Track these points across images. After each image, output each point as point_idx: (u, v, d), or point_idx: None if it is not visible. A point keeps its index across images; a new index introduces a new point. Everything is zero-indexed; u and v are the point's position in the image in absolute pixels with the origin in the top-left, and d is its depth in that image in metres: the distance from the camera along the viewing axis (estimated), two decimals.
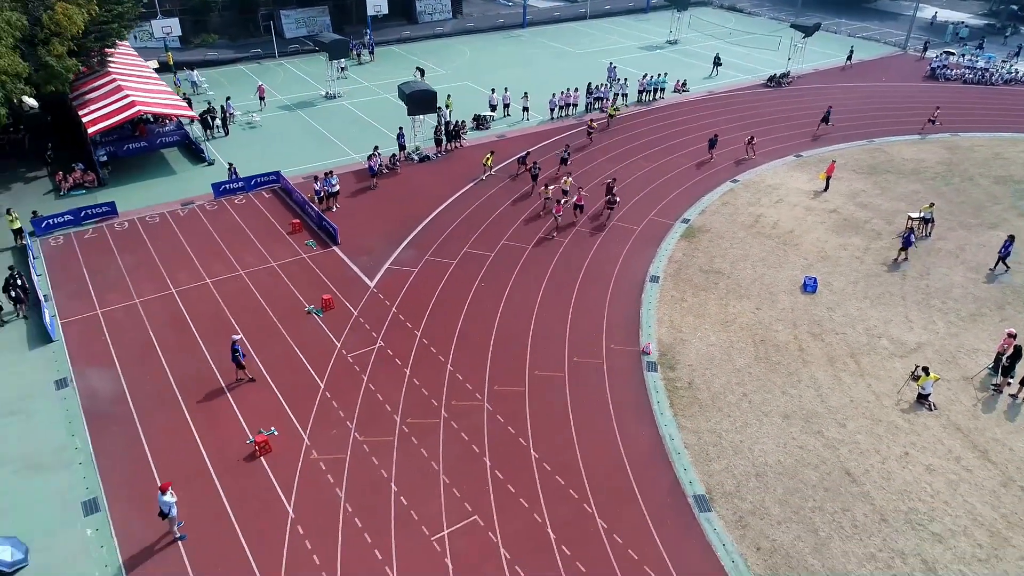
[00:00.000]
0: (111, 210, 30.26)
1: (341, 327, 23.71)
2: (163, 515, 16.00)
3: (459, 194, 32.88)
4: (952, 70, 51.00)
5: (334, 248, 28.31)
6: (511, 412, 20.26)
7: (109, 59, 38.23)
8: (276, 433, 19.23)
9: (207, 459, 18.54)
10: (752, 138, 37.29)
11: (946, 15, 69.94)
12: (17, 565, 15.57)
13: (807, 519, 17.24)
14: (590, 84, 44.09)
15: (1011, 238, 27.09)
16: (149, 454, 18.68)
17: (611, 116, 41.12)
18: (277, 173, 33.30)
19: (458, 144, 37.89)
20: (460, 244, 28.77)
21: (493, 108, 41.78)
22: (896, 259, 28.02)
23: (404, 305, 24.91)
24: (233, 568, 15.76)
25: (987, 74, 50.12)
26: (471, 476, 18.18)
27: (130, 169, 34.60)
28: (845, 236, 29.99)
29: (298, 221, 29.76)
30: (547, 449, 19.03)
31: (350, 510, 17.18)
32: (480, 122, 40.48)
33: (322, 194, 30.74)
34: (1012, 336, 21.48)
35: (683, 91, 46.99)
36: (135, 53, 43.98)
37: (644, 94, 45.20)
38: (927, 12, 68.93)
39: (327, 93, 45.30)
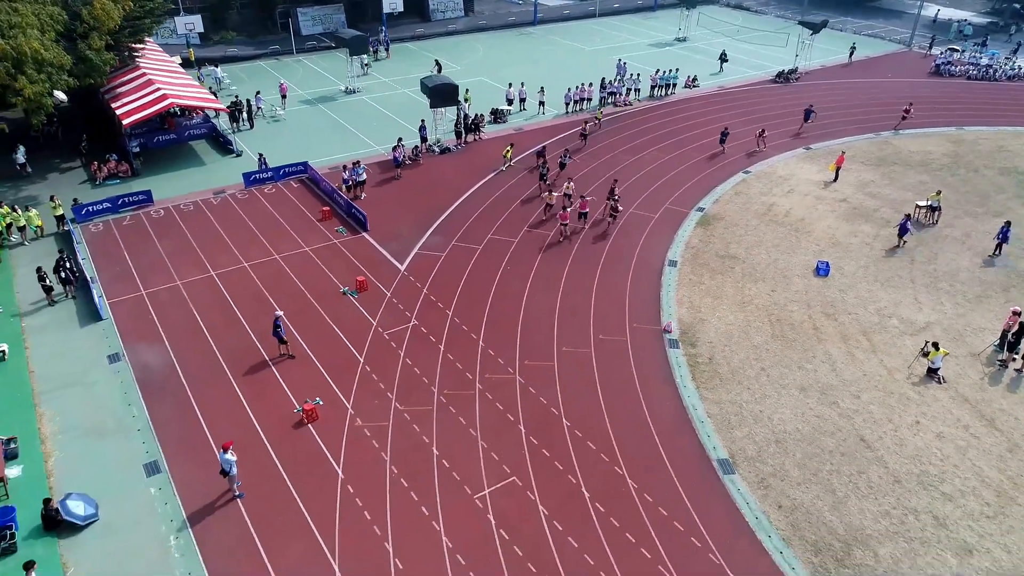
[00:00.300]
0: (147, 198, 31.41)
1: (376, 307, 24.84)
2: (224, 473, 17.15)
3: (480, 184, 33.99)
4: (956, 67, 52.07)
5: (364, 234, 29.45)
6: (542, 384, 21.38)
7: (137, 54, 39.36)
8: (321, 403, 20.34)
9: (257, 426, 19.67)
10: (763, 131, 38.39)
11: (949, 13, 70.97)
12: (89, 519, 16.69)
13: (825, 481, 18.34)
14: (604, 79, 45.26)
15: (1008, 224, 28.20)
16: (203, 421, 19.81)
17: (598, 119, 40.81)
18: (305, 163, 34.45)
19: (477, 137, 39.02)
20: (484, 231, 29.89)
21: (510, 102, 42.93)
22: (896, 246, 29.08)
23: (434, 287, 26.04)
24: (290, 521, 16.89)
25: (991, 70, 51.18)
26: (508, 442, 19.30)
27: (161, 160, 35.76)
28: (855, 224, 31.07)
29: (328, 209, 30.90)
30: (578, 418, 20.15)
31: (395, 472, 18.30)
32: (497, 115, 41.61)
33: (350, 183, 31.88)
34: (1017, 314, 22.59)
35: (694, 86, 48.10)
36: (160, 49, 45.13)
37: (656, 89, 46.30)
38: (930, 10, 69.96)
39: (346, 88, 46.47)
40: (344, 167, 32.69)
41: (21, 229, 28.14)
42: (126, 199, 31.06)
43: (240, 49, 54.65)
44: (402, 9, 57.26)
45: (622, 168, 35.80)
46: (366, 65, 49.64)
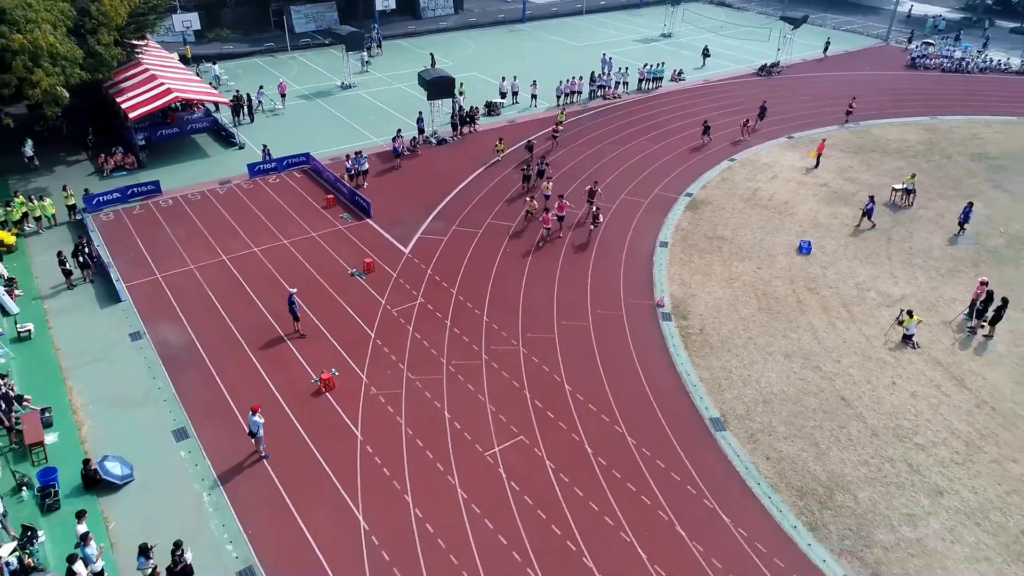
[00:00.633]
0: (155, 188, 32.42)
1: (383, 287, 26.08)
2: (252, 434, 18.34)
3: (476, 173, 35.28)
4: (931, 60, 54.02)
5: (368, 220, 30.66)
6: (544, 354, 22.73)
7: (139, 51, 40.25)
8: (337, 373, 21.56)
9: (277, 395, 20.86)
10: (748, 120, 39.96)
11: (924, 9, 73.16)
12: (126, 479, 17.82)
13: (809, 435, 19.83)
14: (593, 73, 46.71)
15: (970, 204, 29.97)
16: (225, 391, 20.97)
17: (559, 123, 39.82)
18: (307, 155, 35.57)
19: (472, 128, 40.30)
20: (483, 216, 31.19)
21: (503, 95, 44.24)
22: (859, 225, 30.70)
23: (438, 268, 27.31)
24: (315, 479, 18.11)
25: (963, 63, 53.17)
26: (514, 405, 20.63)
27: (165, 153, 36.74)
28: (835, 206, 32.68)
29: (332, 197, 32.07)
30: (579, 383, 21.52)
31: (411, 433, 19.58)
32: (491, 108, 42.90)
33: (353, 172, 33.07)
34: (984, 283, 24.24)
35: (680, 80, 49.66)
36: (159, 46, 45.99)
37: (644, 83, 47.80)
38: (905, 6, 72.05)
39: (343, 83, 47.58)
40: (347, 156, 33.88)
41: (37, 219, 29.07)
42: (135, 189, 32.05)
43: (235, 46, 55.58)
44: (394, 7, 58.38)
45: (612, 157, 37.26)
46: (366, 63, 50.80)
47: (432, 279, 26.61)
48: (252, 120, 41.37)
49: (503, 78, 45.00)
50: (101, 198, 31.16)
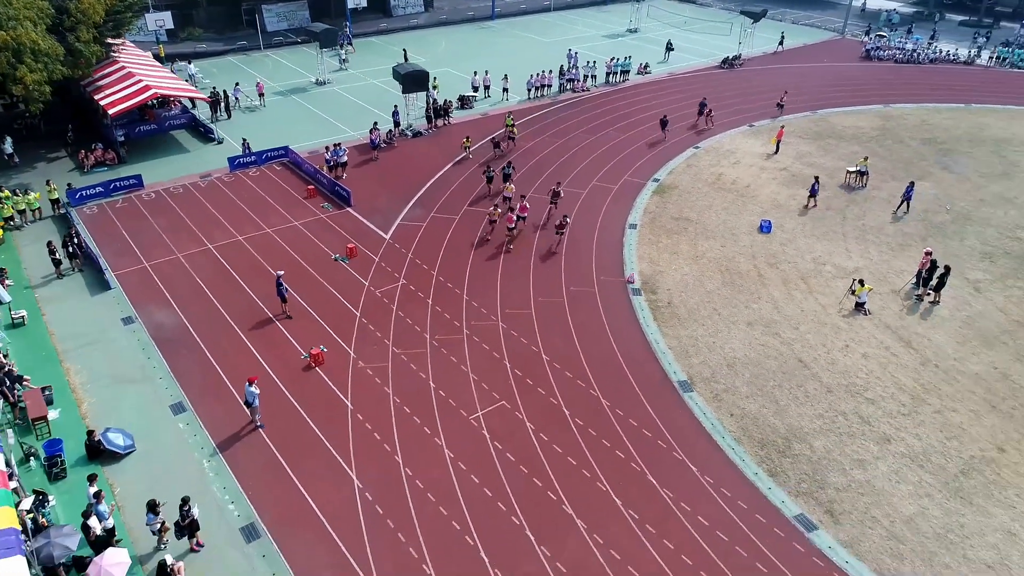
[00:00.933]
0: (138, 182, 33.08)
1: (366, 270, 27.17)
2: (247, 404, 19.37)
3: (452, 164, 36.45)
4: (884, 51, 56.41)
5: (348, 209, 31.68)
6: (522, 328, 24.03)
7: (115, 50, 40.72)
8: (326, 350, 22.63)
9: (270, 371, 21.86)
10: (710, 110, 41.65)
11: (878, 3, 75.91)
12: (128, 449, 18.73)
13: (769, 394, 21.39)
14: (562, 66, 48.15)
15: (911, 184, 31.98)
16: (219, 369, 21.93)
17: (509, 125, 38.99)
18: (286, 148, 36.45)
19: (447, 121, 41.45)
20: (460, 203, 32.40)
21: (475, 89, 45.46)
22: (806, 205, 32.51)
23: (418, 252, 28.46)
24: (309, 444, 19.19)
25: (915, 54, 55.62)
26: (495, 374, 21.89)
27: (145, 149, 37.33)
28: (794, 188, 34.45)
29: (312, 187, 33.03)
30: (555, 353, 22.85)
31: (398, 401, 20.75)
32: (464, 102, 44.08)
33: (332, 163, 34.04)
34: (928, 254, 26.11)
35: (646, 73, 51.31)
36: (133, 45, 46.36)
37: (611, 75, 49.36)
38: (860, 0, 74.67)
39: (317, 80, 48.41)
40: (326, 148, 34.85)
41: (21, 212, 29.61)
42: (117, 183, 32.67)
43: (208, 46, 56.00)
44: (365, 5, 59.26)
45: (583, 147, 38.68)
46: (344, 60, 51.65)
47: (413, 262, 27.76)
48: (229, 116, 42.06)
49: (475, 72, 46.23)
50: (84, 192, 31.75)
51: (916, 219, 31.74)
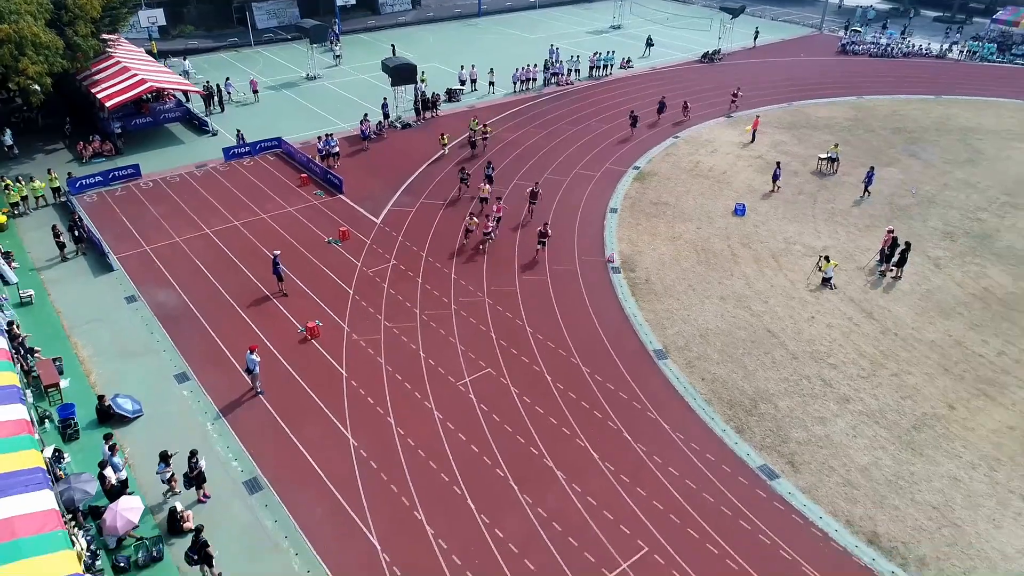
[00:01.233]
0: (136, 172, 34.18)
1: (358, 252, 28.43)
2: (248, 371, 20.61)
3: (440, 154, 37.70)
4: (859, 46, 58.16)
5: (340, 196, 32.93)
6: (507, 303, 25.37)
7: (110, 45, 41.72)
8: (321, 324, 23.88)
9: (268, 343, 23.07)
10: (686, 103, 43.08)
11: (854, 0, 77.78)
12: (136, 413, 19.92)
13: (739, 360, 22.83)
14: (547, 61, 49.54)
15: (871, 169, 33.69)
16: (219, 342, 23.14)
17: (474, 130, 38.34)
18: (279, 139, 37.63)
19: (434, 114, 42.73)
20: (447, 190, 33.69)
21: (462, 83, 46.77)
22: (771, 190, 34.05)
23: (408, 234, 29.75)
24: (307, 409, 20.45)
25: (889, 49, 57.40)
26: (482, 345, 23.22)
27: (141, 141, 38.40)
28: (768, 175, 35.73)
29: (305, 176, 34.26)
30: (539, 326, 24.20)
31: (390, 370, 22.04)
32: (452, 95, 45.38)
33: (324, 152, 35.26)
34: (890, 232, 27.66)
35: (628, 67, 52.79)
36: (127, 41, 47.35)
37: (595, 70, 50.80)
38: None
39: (308, 75, 49.58)
40: (318, 139, 36.06)
41: (24, 199, 30.65)
42: (116, 173, 33.77)
43: (200, 42, 57.00)
44: (354, 2, 60.42)
45: (567, 136, 40.07)
46: (337, 56, 52.78)
47: (403, 244, 29.05)
48: (223, 110, 43.16)
49: (461, 66, 47.55)
50: (84, 181, 32.82)
51: (883, 202, 33.32)
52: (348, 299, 25.47)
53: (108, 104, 35.81)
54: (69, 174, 32.63)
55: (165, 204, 31.95)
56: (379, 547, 16.43)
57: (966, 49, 57.33)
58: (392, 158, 37.10)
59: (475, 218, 29.55)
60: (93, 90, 37.48)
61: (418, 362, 22.42)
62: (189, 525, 16.27)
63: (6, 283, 25.34)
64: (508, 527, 17.00)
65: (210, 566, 15.30)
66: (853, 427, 20.21)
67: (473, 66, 47.54)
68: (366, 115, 39.09)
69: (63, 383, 20.68)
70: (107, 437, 17.57)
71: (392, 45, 53.43)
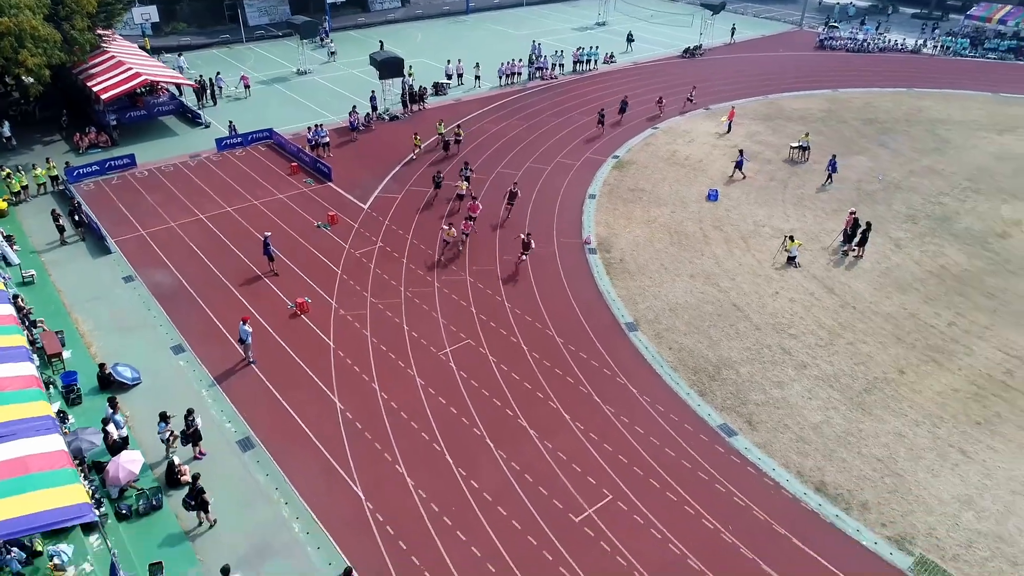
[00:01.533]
0: (131, 161, 35.35)
1: (346, 235, 29.70)
2: (241, 341, 21.87)
3: (426, 144, 38.94)
4: (837, 41, 59.74)
5: (330, 184, 34.18)
6: (487, 281, 26.70)
7: (105, 40, 42.85)
8: (310, 300, 25.14)
9: (260, 318, 24.31)
10: (661, 98, 44.24)
11: None
12: (135, 380, 21.16)
13: (705, 332, 24.22)
14: (531, 56, 50.91)
15: (834, 156, 35.22)
16: (213, 317, 24.38)
17: (441, 133, 38.56)
18: (270, 130, 38.86)
19: (421, 106, 44.02)
20: (444, 164, 34.91)
21: (449, 77, 48.07)
22: (731, 175, 35.46)
23: (394, 219, 31.04)
24: (296, 377, 21.73)
25: (865, 44, 59.00)
26: (462, 318, 24.54)
27: (136, 132, 39.54)
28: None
29: (295, 165, 35.50)
30: (517, 301, 25.54)
31: (375, 341, 23.34)
32: (439, 89, 46.68)
33: (314, 142, 36.52)
34: (853, 213, 29.13)
35: (611, 62, 54.19)
36: (120, 37, 48.46)
37: (578, 64, 52.19)
38: None
39: (299, 70, 50.80)
40: (308, 128, 37.32)
41: (24, 188, 31.79)
42: (112, 163, 34.94)
43: (193, 39, 58.13)
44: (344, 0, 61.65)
45: (550, 127, 41.43)
46: (332, 53, 53.93)
47: (389, 228, 30.34)
48: (215, 103, 44.34)
49: (448, 61, 48.85)
50: (81, 170, 33.96)
51: (850, 188, 34.79)
52: (336, 278, 26.74)
53: (104, 97, 36.95)
54: (67, 163, 33.79)
55: (160, 192, 33.14)
56: (363, 496, 17.74)
57: (940, 44, 58.94)
58: (380, 148, 38.37)
59: (452, 228, 28.73)
60: (89, 83, 38.60)
61: (402, 334, 23.72)
62: (186, 478, 17.50)
63: (8, 264, 26.52)
64: (483, 479, 18.32)
65: (206, 512, 16.57)
66: (808, 390, 21.61)
67: (460, 60, 48.85)
68: (355, 107, 40.36)
69: (66, 354, 21.88)
70: (111, 401, 18.79)
71: (380, 41, 54.71)
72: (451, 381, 21.66)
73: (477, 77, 48.08)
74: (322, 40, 57.71)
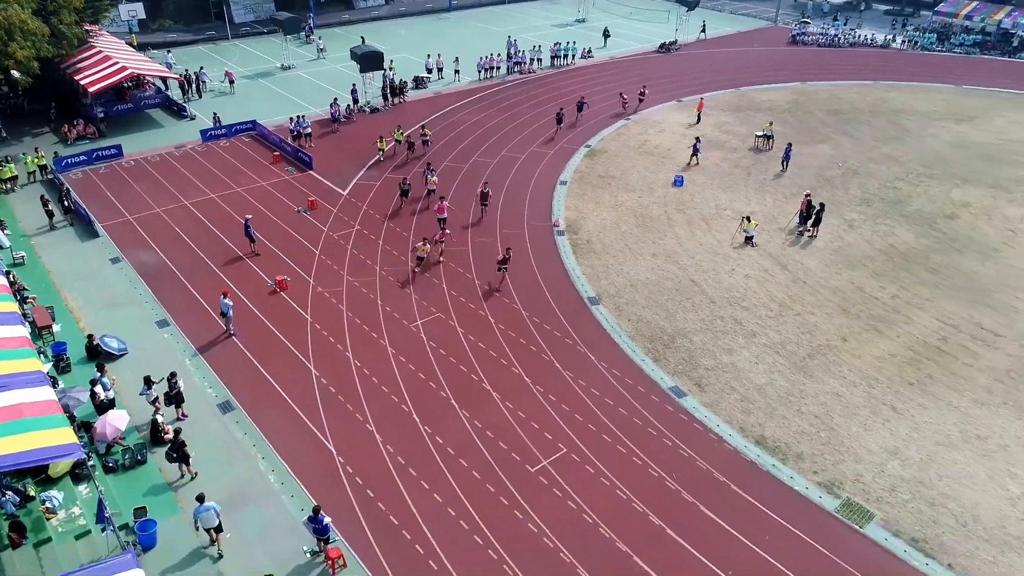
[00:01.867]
0: (118, 152, 36.53)
1: (325, 219, 31.01)
2: (222, 314, 23.15)
3: (375, 159, 39.86)
4: (809, 36, 61.43)
5: (310, 172, 35.47)
6: (460, 261, 28.07)
7: (91, 35, 43.99)
8: (289, 279, 26.44)
9: (241, 295, 25.58)
10: (641, 91, 45.80)
11: None
12: (122, 351, 22.42)
13: (663, 305, 25.67)
14: (510, 50, 52.32)
15: (789, 145, 36.75)
16: (196, 294, 25.66)
17: (399, 140, 37.84)
18: (253, 122, 40.10)
19: (402, 100, 45.36)
20: (411, 166, 36.32)
21: (429, 71, 49.41)
22: (689, 163, 36.95)
23: (372, 204, 32.38)
24: (274, 348, 23.03)
25: (836, 39, 60.70)
26: (434, 295, 25.91)
27: (123, 125, 40.72)
28: (709, 152, 38.81)
29: (278, 154, 36.77)
30: (487, 279, 26.91)
31: (351, 315, 24.67)
32: (419, 82, 48.01)
33: (296, 132, 37.79)
34: (807, 195, 30.66)
35: (589, 57, 55.66)
36: (107, 33, 49.55)
37: (556, 59, 53.63)
38: None
39: (283, 65, 52.02)
40: (291, 119, 38.58)
41: (14, 178, 32.93)
42: (99, 153, 36.11)
43: (179, 35, 59.24)
44: None
45: (525, 119, 42.84)
46: (321, 50, 55.06)
47: (367, 213, 31.66)
48: (200, 97, 45.52)
49: (428, 55, 50.19)
50: (69, 160, 35.13)
51: (811, 174, 36.34)
52: (315, 259, 28.05)
53: (91, 90, 38.13)
54: (55, 154, 34.93)
55: (146, 180, 34.34)
56: (335, 451, 19.08)
57: (907, 39, 60.69)
58: (360, 139, 39.66)
59: (426, 243, 27.52)
60: (77, 77, 39.75)
61: (376, 309, 25.07)
62: (169, 436, 18.77)
63: (0, 247, 27.71)
64: (448, 435, 19.70)
65: (187, 464, 17.87)
66: (756, 356, 23.09)
67: (440, 55, 50.18)
68: (336, 99, 41.64)
69: (56, 327, 23.11)
70: (100, 368, 20.05)
71: (362, 37, 55.88)
72: (421, 350, 23.02)
73: (457, 71, 49.43)
74: (307, 36, 58.93)
